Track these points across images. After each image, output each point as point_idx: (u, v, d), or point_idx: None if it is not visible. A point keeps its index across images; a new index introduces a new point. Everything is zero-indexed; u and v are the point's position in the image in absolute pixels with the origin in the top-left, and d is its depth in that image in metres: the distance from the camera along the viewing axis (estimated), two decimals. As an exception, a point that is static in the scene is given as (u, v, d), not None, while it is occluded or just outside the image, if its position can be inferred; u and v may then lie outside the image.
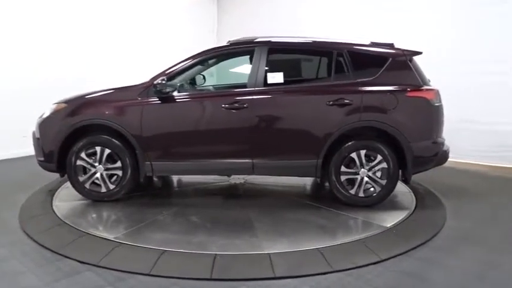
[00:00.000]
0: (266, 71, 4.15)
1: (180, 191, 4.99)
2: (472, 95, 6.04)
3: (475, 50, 6.03)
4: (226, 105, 4.05)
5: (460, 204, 4.41)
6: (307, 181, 5.10)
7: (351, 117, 4.02)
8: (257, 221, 3.77)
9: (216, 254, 3.07)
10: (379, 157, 4.06)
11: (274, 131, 4.09)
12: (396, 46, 4.30)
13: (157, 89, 4.06)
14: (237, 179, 5.14)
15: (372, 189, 4.13)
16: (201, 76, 5.09)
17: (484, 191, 4.97)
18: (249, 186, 4.99)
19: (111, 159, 4.20)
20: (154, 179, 5.29)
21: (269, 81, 4.12)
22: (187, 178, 5.29)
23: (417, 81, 4.11)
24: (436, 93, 4.15)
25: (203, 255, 3.07)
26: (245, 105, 4.03)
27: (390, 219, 3.81)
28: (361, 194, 4.12)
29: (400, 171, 4.18)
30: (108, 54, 7.64)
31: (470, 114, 6.06)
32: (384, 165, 4.07)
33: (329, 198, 4.27)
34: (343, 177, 4.11)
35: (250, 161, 4.10)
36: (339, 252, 3.14)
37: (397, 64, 4.15)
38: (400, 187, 4.55)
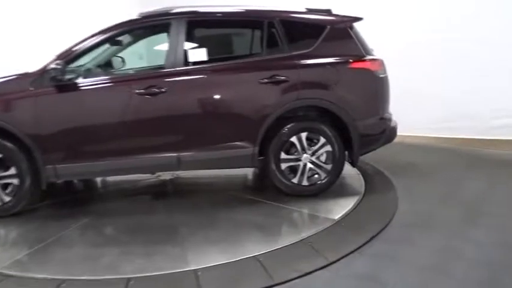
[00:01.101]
0: (186, 48, 3.50)
1: (101, 194, 4.29)
2: (415, 64, 5.71)
3: (418, 16, 5.69)
4: (141, 91, 3.37)
5: (412, 183, 4.05)
6: (249, 171, 4.57)
7: (288, 96, 3.49)
8: (185, 226, 3.18)
9: (129, 277, 2.46)
10: (322, 139, 3.58)
11: (200, 117, 3.49)
12: (334, 12, 3.80)
13: (52, 76, 3.31)
14: (167, 174, 4.50)
15: (316, 176, 3.66)
16: (119, 59, 4.35)
17: (435, 166, 4.67)
18: (180, 181, 4.38)
19: (3, 165, 3.42)
20: (75, 181, 4.54)
21: (190, 59, 3.49)
22: (112, 177, 4.56)
23: (359, 51, 3.64)
24: (381, 63, 3.71)
25: (113, 282, 2.44)
26: (163, 90, 3.38)
27: (338, 209, 3.36)
28: (305, 183, 3.63)
29: (347, 152, 3.74)
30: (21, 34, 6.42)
31: (414, 84, 5.73)
32: (328, 148, 3.60)
33: (272, 190, 3.74)
34: (283, 165, 3.60)
35: (175, 155, 3.48)
36: (280, 259, 2.63)
37: (336, 33, 3.64)
38: (348, 169, 4.11)
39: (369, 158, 4.44)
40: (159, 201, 3.87)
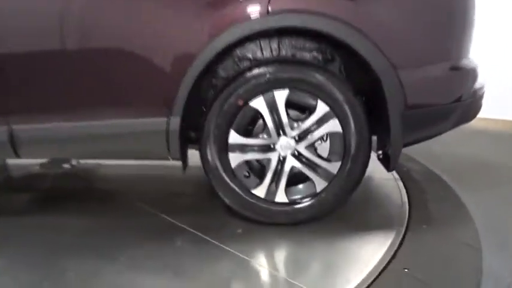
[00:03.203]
0: None
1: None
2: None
3: None
4: None
5: (498, 203, 2.06)
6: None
7: (246, 6, 1.56)
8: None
9: None
10: (322, 107, 1.64)
11: (55, 53, 1.60)
12: None
13: None
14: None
15: (303, 185, 1.75)
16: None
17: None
18: (79, 173, 2.54)
19: None
20: None
21: None
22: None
23: None
24: None
25: None
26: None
27: (347, 273, 1.44)
28: (280, 197, 1.72)
29: (376, 138, 1.79)
30: None
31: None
32: (334, 125, 1.66)
33: (222, 207, 1.84)
34: (235, 158, 1.70)
35: (4, 129, 1.64)
36: None
37: None
38: (376, 169, 2.11)
39: (412, 149, 2.41)
40: (8, 216, 2.04)
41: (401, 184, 2.19)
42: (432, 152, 2.69)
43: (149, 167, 2.45)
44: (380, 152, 1.82)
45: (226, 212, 1.80)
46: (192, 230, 1.74)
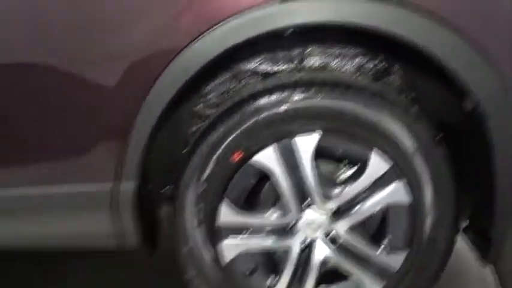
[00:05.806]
0: None
1: None
2: None
3: None
4: None
5: None
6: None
7: None
8: None
9: None
10: (380, 161, 0.94)
11: None
12: None
13: None
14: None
15: (341, 285, 1.05)
16: None
17: None
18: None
19: None
20: None
21: None
22: None
23: None
24: None
25: None
26: None
27: None
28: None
29: (463, 207, 1.08)
30: None
31: None
32: (399, 192, 0.95)
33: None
34: (230, 249, 1.01)
35: None
36: None
37: None
38: (460, 255, 1.20)
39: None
40: None
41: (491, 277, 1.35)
42: None
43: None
44: (466, 224, 1.11)
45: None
46: None
